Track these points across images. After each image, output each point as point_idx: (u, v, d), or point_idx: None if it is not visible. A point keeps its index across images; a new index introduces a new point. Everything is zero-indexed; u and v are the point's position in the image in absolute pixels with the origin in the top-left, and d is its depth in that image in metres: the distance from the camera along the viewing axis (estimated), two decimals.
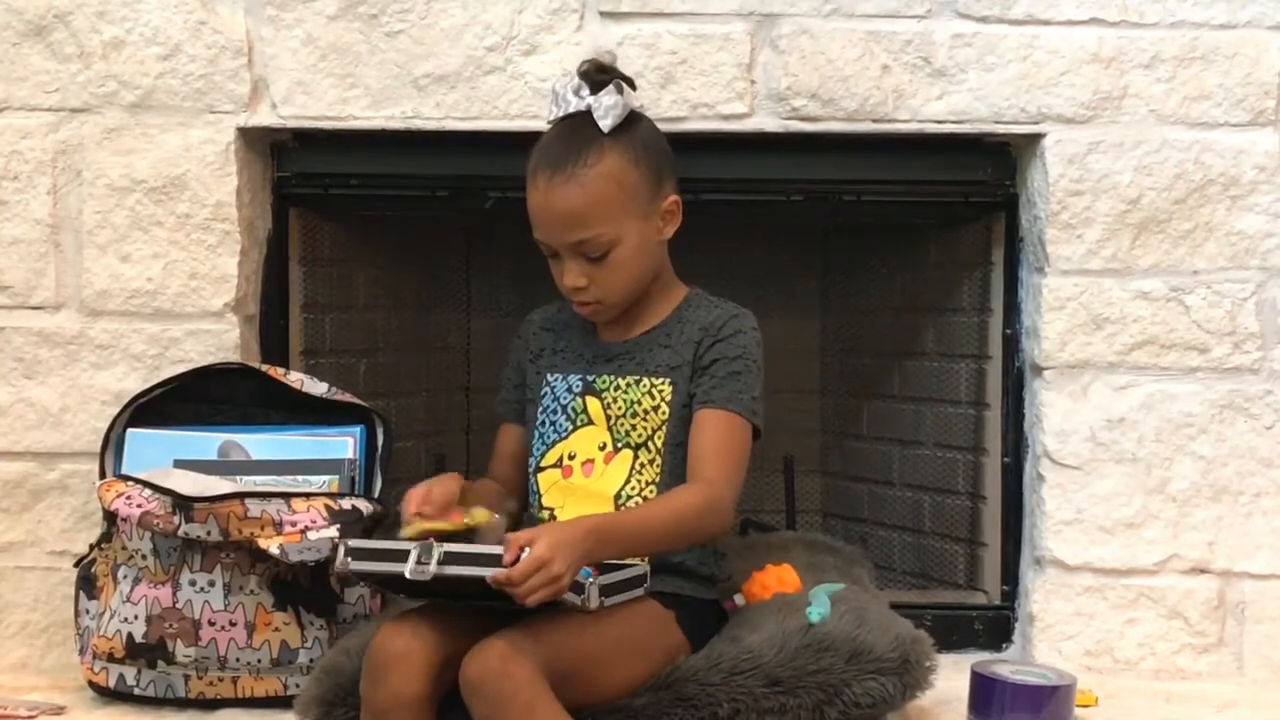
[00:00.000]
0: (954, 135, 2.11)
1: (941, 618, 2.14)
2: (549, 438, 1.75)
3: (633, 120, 1.69)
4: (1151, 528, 2.10)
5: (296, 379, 2.03)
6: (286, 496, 1.85)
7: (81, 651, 1.94)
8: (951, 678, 1.85)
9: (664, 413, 1.72)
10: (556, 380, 1.77)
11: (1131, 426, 2.10)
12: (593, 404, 1.74)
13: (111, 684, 1.90)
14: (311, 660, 1.83)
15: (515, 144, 2.10)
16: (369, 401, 2.06)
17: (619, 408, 1.73)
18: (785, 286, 2.63)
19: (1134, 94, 2.08)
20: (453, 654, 1.49)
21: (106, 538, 1.90)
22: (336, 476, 1.96)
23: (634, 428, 1.72)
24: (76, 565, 1.96)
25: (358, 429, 2.01)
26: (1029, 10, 2.07)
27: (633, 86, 1.72)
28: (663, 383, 1.72)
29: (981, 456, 2.29)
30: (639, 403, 1.72)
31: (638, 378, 1.73)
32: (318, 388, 2.02)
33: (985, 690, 1.82)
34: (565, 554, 1.45)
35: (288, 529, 1.82)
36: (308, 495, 1.87)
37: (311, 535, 1.81)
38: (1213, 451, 2.10)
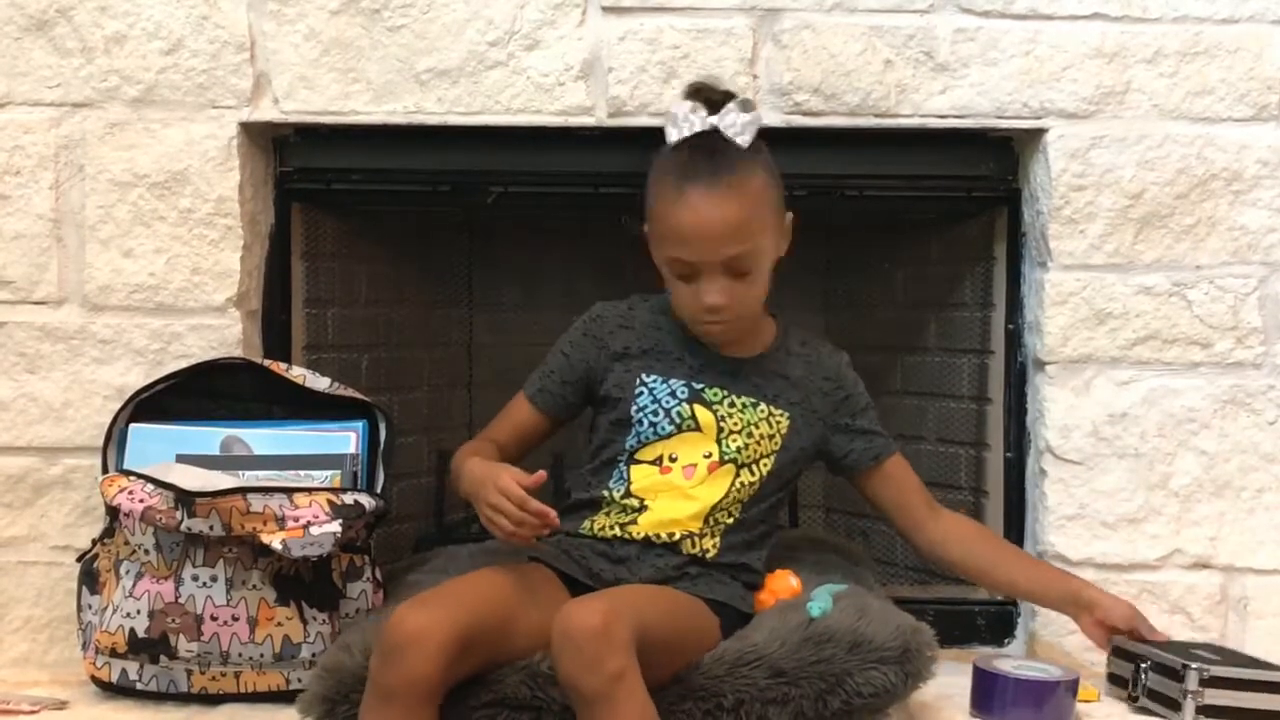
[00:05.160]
0: (957, 130, 2.11)
1: (944, 613, 2.14)
2: (646, 436, 1.77)
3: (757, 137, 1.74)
4: (1154, 523, 2.10)
5: (299, 374, 2.03)
6: (289, 491, 1.85)
7: (84, 646, 1.94)
8: (954, 673, 1.86)
9: (777, 443, 1.78)
10: (655, 382, 1.78)
11: (1134, 421, 2.10)
12: (702, 413, 1.77)
13: (114, 679, 1.90)
14: (314, 655, 1.83)
15: (518, 139, 2.13)
16: (371, 397, 2.06)
17: (734, 423, 1.77)
18: (787, 281, 2.62)
19: (1137, 89, 2.08)
20: (469, 640, 1.49)
21: (109, 533, 1.91)
22: (339, 472, 1.96)
23: (745, 446, 1.76)
24: (79, 560, 1.96)
25: (360, 424, 2.01)
26: (1031, 5, 2.07)
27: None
28: (782, 415, 1.79)
29: (983, 451, 2.29)
30: (756, 426, 1.77)
31: (755, 401, 1.78)
32: (320, 383, 2.02)
33: (987, 686, 1.82)
34: None
35: (290, 524, 1.81)
36: (310, 490, 1.86)
37: (314, 530, 1.81)
38: (1215, 447, 2.10)
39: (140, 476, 1.87)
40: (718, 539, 1.75)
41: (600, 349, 1.83)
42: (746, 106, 1.73)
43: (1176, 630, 2.09)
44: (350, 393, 2.04)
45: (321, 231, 2.28)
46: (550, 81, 2.07)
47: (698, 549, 1.73)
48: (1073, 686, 1.81)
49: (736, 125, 1.71)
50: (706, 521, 1.74)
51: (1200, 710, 1.79)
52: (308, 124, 2.12)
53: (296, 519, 1.82)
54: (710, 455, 1.76)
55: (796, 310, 2.65)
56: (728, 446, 1.76)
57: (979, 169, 2.18)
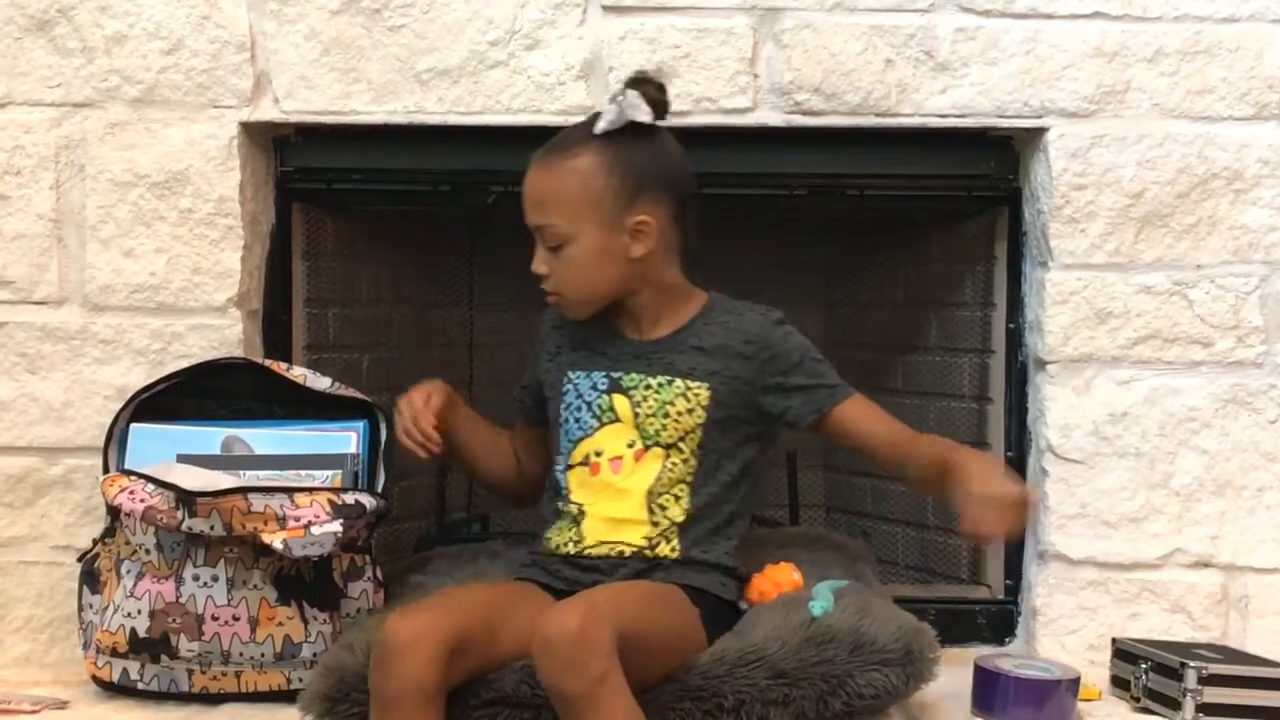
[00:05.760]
0: (957, 129, 2.11)
1: (945, 612, 2.14)
2: (574, 434, 1.77)
3: (635, 133, 1.73)
4: (1155, 522, 2.10)
5: (299, 374, 2.03)
6: (290, 491, 1.85)
7: (85, 646, 1.94)
8: (955, 672, 1.85)
9: (699, 416, 1.75)
10: (579, 377, 1.79)
11: (1135, 421, 2.10)
12: (620, 402, 1.76)
13: (115, 679, 1.90)
14: (314, 655, 1.83)
15: (518, 138, 2.11)
16: (372, 396, 2.06)
17: (650, 407, 1.75)
18: (788, 281, 2.63)
19: (1137, 88, 2.08)
20: (461, 643, 1.50)
21: (110, 533, 1.91)
22: (340, 471, 1.96)
23: (664, 428, 1.75)
24: (80, 560, 1.96)
25: (361, 424, 2.01)
26: (1032, 4, 2.07)
27: (660, 111, 1.76)
28: (699, 386, 1.76)
29: (984, 451, 2.29)
30: (672, 404, 1.75)
31: (669, 378, 1.76)
32: (321, 383, 2.02)
33: (988, 684, 1.82)
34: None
35: (291, 524, 1.81)
36: (311, 490, 1.86)
37: (315, 530, 1.81)
38: (1216, 446, 2.10)
39: (141, 476, 1.87)
40: (675, 541, 1.72)
41: (540, 353, 1.87)
42: (625, 101, 1.73)
43: (1178, 630, 2.10)
44: (351, 392, 2.04)
45: (322, 231, 2.28)
46: (551, 81, 2.07)
47: (654, 555, 1.72)
48: (1074, 685, 1.81)
49: (602, 113, 1.74)
50: (650, 510, 1.72)
51: (1200, 708, 1.79)
52: (308, 124, 2.11)
53: (297, 519, 1.82)
54: (633, 444, 1.75)
55: (796, 310, 2.64)
56: (647, 430, 1.74)
57: (979, 168, 2.18)
